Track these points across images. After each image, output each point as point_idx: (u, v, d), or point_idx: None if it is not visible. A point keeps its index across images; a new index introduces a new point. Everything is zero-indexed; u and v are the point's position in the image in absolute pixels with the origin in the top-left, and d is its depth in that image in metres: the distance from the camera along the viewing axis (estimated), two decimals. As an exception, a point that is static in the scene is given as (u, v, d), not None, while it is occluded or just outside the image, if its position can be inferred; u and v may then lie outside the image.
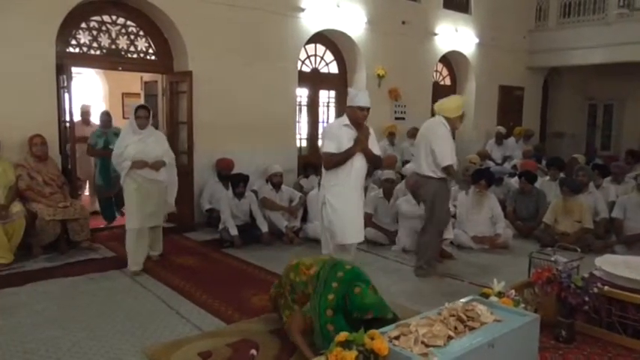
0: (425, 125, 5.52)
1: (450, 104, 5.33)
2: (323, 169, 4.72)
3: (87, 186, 8.48)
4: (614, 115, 14.65)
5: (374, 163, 4.77)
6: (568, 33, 12.36)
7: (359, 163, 4.59)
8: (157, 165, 5.40)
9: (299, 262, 3.86)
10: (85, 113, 8.29)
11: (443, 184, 5.38)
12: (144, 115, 5.33)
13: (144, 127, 5.35)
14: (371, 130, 4.69)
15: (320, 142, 4.63)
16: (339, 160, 4.51)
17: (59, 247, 5.92)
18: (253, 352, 3.53)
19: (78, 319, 4.18)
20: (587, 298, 3.70)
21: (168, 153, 5.60)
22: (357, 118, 4.54)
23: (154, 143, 5.44)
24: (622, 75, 13.21)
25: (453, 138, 5.46)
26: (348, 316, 3.43)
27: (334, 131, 4.59)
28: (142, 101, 5.47)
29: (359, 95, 4.54)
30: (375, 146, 4.72)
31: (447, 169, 5.24)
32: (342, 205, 4.56)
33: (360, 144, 4.53)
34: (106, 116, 7.58)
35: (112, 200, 7.47)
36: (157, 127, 7.90)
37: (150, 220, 5.50)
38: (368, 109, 4.57)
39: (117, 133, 6.73)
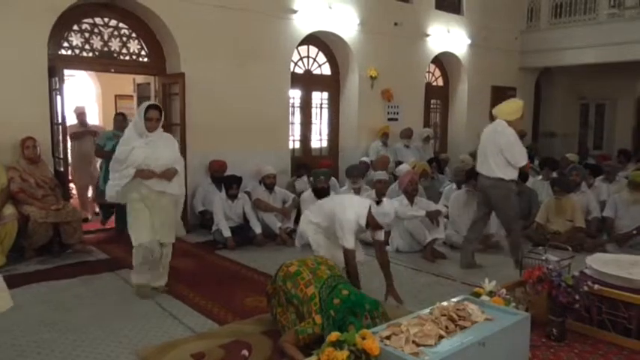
0: (488, 130, 5.72)
1: (509, 108, 5.58)
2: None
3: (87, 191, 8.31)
4: (605, 114, 14.72)
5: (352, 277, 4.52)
6: (559, 33, 12.41)
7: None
8: (169, 174, 4.58)
9: (298, 271, 3.78)
10: (81, 115, 8.11)
11: (513, 186, 5.67)
12: (155, 116, 4.52)
13: (154, 129, 4.53)
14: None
15: (338, 228, 4.48)
16: (352, 266, 4.50)
17: (52, 250, 5.91)
18: (245, 352, 3.54)
19: (70, 321, 4.17)
20: (577, 297, 3.73)
21: (180, 160, 4.80)
22: (375, 228, 4.55)
23: (164, 147, 4.62)
24: (613, 75, 13.28)
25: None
26: None
27: (351, 227, 4.50)
28: (151, 102, 4.63)
29: (387, 217, 4.44)
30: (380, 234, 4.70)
31: (523, 169, 5.66)
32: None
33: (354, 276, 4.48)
34: (121, 118, 7.26)
35: (113, 208, 7.02)
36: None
37: (162, 233, 4.66)
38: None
39: None
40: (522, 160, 5.47)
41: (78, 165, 7.73)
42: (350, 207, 4.57)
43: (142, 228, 4.55)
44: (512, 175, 5.52)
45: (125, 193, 4.53)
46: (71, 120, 7.72)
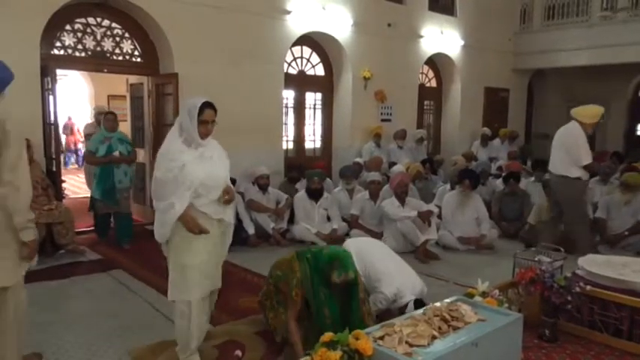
0: (561, 131, 6.19)
1: (589, 112, 6.10)
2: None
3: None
4: (598, 116, 14.78)
5: None
6: (552, 35, 12.47)
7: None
8: (232, 196, 3.49)
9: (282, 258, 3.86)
10: (100, 114, 7.87)
11: (579, 183, 6.03)
12: (212, 117, 3.37)
13: (207, 135, 3.39)
14: None
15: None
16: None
17: (44, 250, 5.86)
18: (238, 352, 3.53)
19: (63, 321, 4.16)
20: (569, 298, 3.76)
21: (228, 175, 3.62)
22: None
23: (219, 161, 3.52)
24: (606, 77, 13.35)
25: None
26: (333, 291, 3.48)
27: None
28: (204, 98, 3.36)
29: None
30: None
31: (586, 168, 5.98)
32: None
33: None
34: (112, 117, 6.47)
35: (110, 218, 6.63)
36: (142, 130, 7.91)
37: (213, 281, 3.56)
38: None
39: (123, 139, 6.45)
40: (585, 159, 5.90)
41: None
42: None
43: (194, 277, 3.33)
44: (577, 173, 5.92)
45: (177, 224, 3.28)
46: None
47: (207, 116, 3.32)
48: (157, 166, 3.32)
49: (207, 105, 3.35)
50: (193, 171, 3.25)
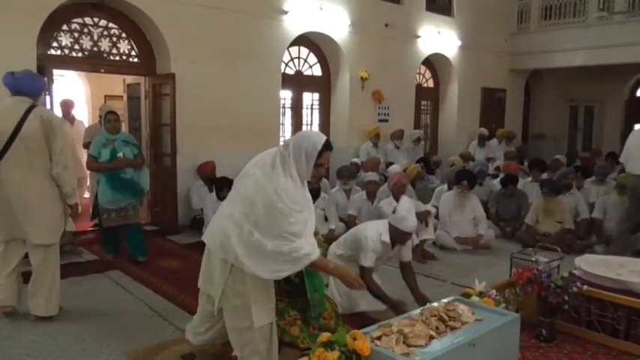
0: (636, 133, 6.25)
1: None
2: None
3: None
4: (594, 116, 14.84)
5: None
6: (549, 35, 12.50)
7: None
8: None
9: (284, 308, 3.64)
10: (66, 105, 7.84)
11: None
12: (327, 160, 3.06)
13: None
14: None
15: (361, 248, 4.26)
16: (372, 289, 4.22)
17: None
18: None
19: (60, 322, 4.15)
20: (567, 298, 3.77)
21: None
22: (401, 240, 4.35)
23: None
24: (602, 77, 13.39)
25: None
26: None
27: (373, 245, 4.27)
28: (324, 136, 2.98)
29: (407, 220, 4.24)
30: (408, 251, 4.55)
31: None
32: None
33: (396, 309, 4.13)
34: (114, 117, 5.82)
35: (119, 232, 5.90)
36: (139, 130, 7.88)
37: None
38: (410, 234, 4.38)
39: (128, 141, 5.79)
40: None
41: None
42: (371, 226, 4.42)
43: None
44: None
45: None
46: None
47: (325, 160, 2.96)
48: (279, 199, 2.77)
49: (328, 147, 2.94)
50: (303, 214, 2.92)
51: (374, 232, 4.32)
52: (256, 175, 2.88)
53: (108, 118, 5.73)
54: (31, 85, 4.11)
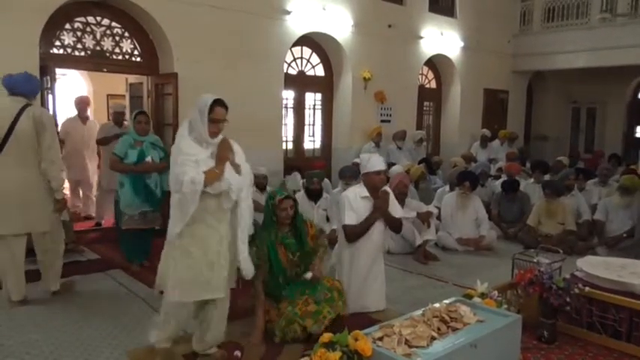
0: None
1: None
2: (342, 240, 4.55)
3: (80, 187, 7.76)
4: (596, 118, 14.84)
5: (394, 227, 4.61)
6: (552, 37, 12.49)
7: (377, 230, 4.49)
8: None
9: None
10: (83, 103, 7.63)
11: None
12: (221, 115, 3.44)
13: (217, 134, 3.51)
14: (389, 191, 4.57)
15: (336, 213, 4.48)
16: (361, 231, 4.37)
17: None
18: (237, 353, 3.53)
19: (61, 321, 4.16)
20: (568, 299, 3.76)
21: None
22: (375, 183, 4.40)
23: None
24: (604, 79, 13.39)
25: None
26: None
27: (352, 203, 4.39)
28: (215, 96, 3.45)
29: (372, 160, 4.41)
30: (396, 208, 4.61)
31: None
32: (358, 271, 4.45)
33: (379, 210, 4.40)
34: (143, 118, 5.50)
35: (145, 236, 5.55)
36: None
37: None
38: (384, 171, 4.49)
39: (156, 144, 5.51)
40: None
41: (68, 159, 7.19)
42: (350, 190, 4.59)
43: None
44: None
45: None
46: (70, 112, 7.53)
47: (217, 114, 3.31)
48: (174, 161, 3.28)
49: (219, 102, 3.34)
50: (204, 168, 3.22)
51: (351, 192, 4.50)
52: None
53: (138, 119, 5.43)
54: (26, 86, 4.40)
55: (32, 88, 4.52)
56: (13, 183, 4.25)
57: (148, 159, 5.34)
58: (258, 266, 3.73)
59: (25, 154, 4.27)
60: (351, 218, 4.35)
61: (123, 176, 5.37)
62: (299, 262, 4.04)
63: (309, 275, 3.98)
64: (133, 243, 5.54)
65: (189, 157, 3.21)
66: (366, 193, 4.42)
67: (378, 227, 4.49)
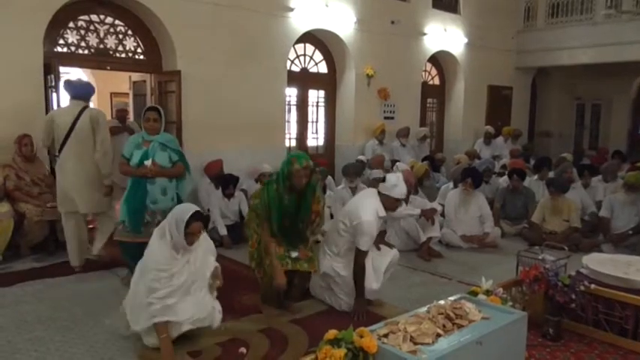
0: None
1: None
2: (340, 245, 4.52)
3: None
4: (601, 114, 14.78)
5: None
6: (556, 33, 12.45)
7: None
8: (221, 280, 4.10)
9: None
10: (121, 112, 7.62)
11: None
12: (197, 229, 3.66)
13: (193, 243, 3.69)
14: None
15: (358, 235, 4.30)
16: (359, 267, 4.33)
17: (47, 248, 5.88)
18: (243, 350, 3.54)
19: (66, 319, 4.16)
20: (574, 296, 3.75)
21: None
22: (392, 208, 4.48)
23: (204, 259, 3.84)
24: (609, 75, 13.34)
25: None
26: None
27: (375, 229, 4.32)
28: (192, 209, 3.58)
29: (399, 187, 4.40)
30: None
31: None
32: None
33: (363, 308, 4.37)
34: (152, 115, 4.87)
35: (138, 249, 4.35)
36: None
37: None
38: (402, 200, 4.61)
39: (166, 145, 4.85)
40: None
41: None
42: (366, 207, 4.35)
43: None
44: None
45: None
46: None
47: (193, 229, 3.56)
48: (145, 267, 3.58)
49: (195, 217, 3.58)
50: (179, 278, 3.55)
51: (370, 212, 4.32)
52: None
53: (146, 116, 4.83)
54: (82, 91, 5.37)
55: (87, 93, 5.42)
56: (74, 172, 5.16)
57: (147, 162, 4.70)
58: (261, 216, 4.34)
59: (82, 147, 5.14)
60: (368, 245, 4.31)
61: (128, 180, 4.88)
62: (290, 226, 4.37)
63: (294, 254, 4.34)
64: (129, 255, 4.78)
65: (163, 273, 3.49)
66: (384, 213, 4.41)
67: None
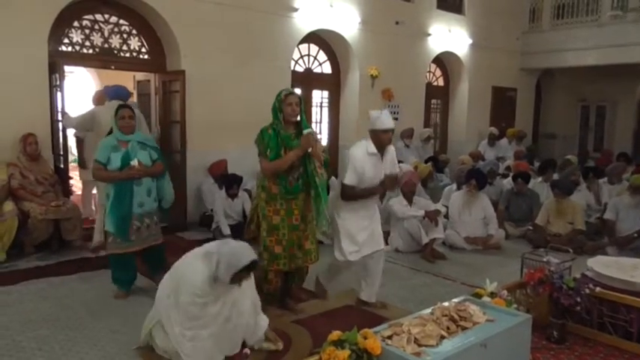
0: None
1: None
2: (336, 194, 4.52)
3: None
4: (606, 116, 14.73)
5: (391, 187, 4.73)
6: (561, 34, 12.41)
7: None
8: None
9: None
10: (101, 98, 7.20)
11: None
12: (248, 277, 3.56)
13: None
14: (391, 149, 4.57)
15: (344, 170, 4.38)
16: (360, 196, 4.34)
17: (51, 246, 5.89)
18: (247, 351, 3.53)
19: (70, 318, 4.17)
20: (578, 299, 3.74)
21: None
22: (382, 141, 4.34)
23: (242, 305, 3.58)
24: (614, 77, 13.29)
25: None
26: None
27: (359, 162, 4.30)
28: (250, 257, 3.32)
29: (381, 117, 4.32)
30: (394, 166, 4.64)
31: None
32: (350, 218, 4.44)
33: (385, 188, 4.55)
34: (126, 112, 4.58)
35: (130, 260, 4.63)
36: (150, 127, 7.90)
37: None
38: (392, 130, 4.39)
39: (145, 143, 4.68)
40: None
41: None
42: (356, 146, 4.42)
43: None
44: None
45: None
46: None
47: (244, 275, 3.34)
48: (183, 291, 3.35)
49: (248, 270, 3.34)
50: (213, 308, 3.38)
51: (358, 147, 4.37)
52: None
53: (120, 114, 4.53)
54: (122, 92, 6.35)
55: (125, 94, 6.37)
56: None
57: (134, 162, 4.48)
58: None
59: None
60: (352, 180, 4.30)
61: (109, 186, 4.50)
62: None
63: (307, 131, 4.20)
64: (120, 267, 4.61)
65: (198, 299, 3.33)
66: (374, 150, 4.34)
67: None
